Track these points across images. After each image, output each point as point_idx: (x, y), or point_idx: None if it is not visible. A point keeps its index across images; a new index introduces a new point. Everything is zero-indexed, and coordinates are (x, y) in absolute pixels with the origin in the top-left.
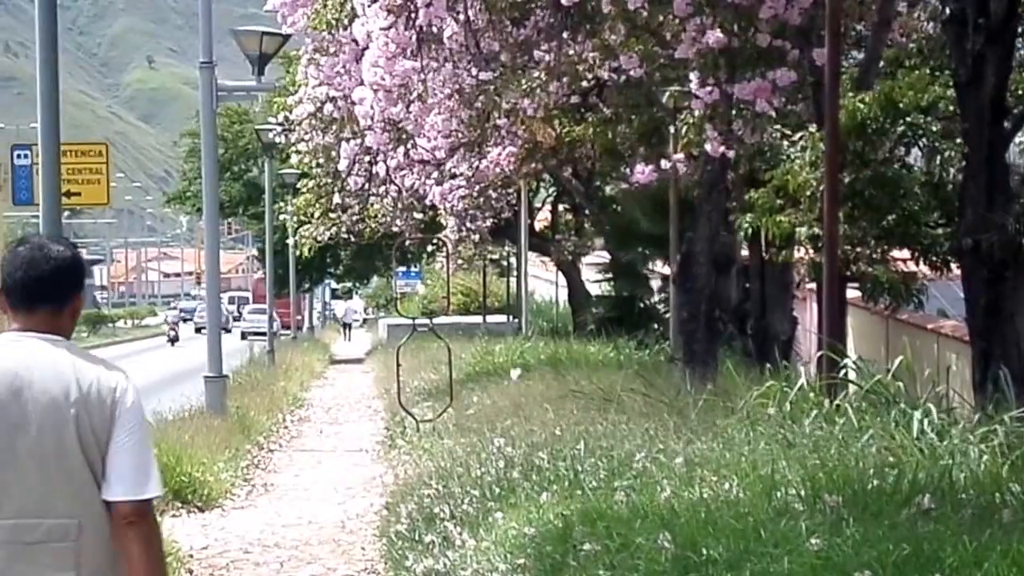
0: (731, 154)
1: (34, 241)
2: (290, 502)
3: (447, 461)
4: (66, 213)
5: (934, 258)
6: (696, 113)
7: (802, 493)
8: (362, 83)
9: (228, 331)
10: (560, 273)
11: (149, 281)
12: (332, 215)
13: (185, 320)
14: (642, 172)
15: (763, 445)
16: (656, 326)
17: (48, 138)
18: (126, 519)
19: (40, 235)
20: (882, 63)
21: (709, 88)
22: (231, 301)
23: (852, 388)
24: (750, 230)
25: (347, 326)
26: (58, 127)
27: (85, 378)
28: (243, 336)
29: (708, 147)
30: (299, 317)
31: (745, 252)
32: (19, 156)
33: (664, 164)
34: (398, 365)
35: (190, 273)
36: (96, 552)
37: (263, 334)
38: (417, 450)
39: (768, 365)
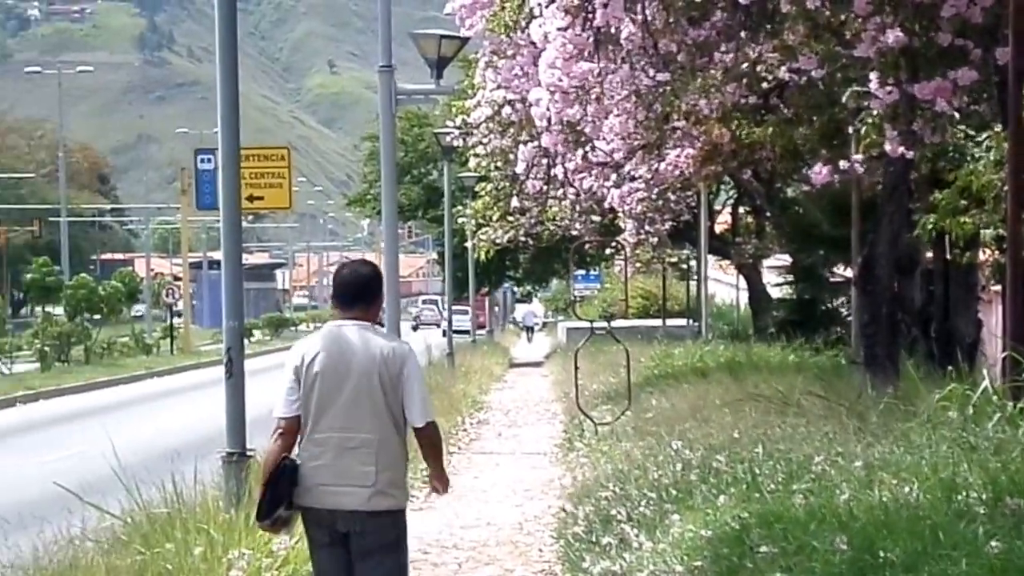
0: (911, 155)
1: (351, 266)
2: (468, 504)
3: (624, 464)
4: (249, 217)
5: None
6: (875, 113)
7: (983, 496)
8: (539, 85)
9: (438, 326)
10: (740, 276)
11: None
12: (510, 218)
13: None
14: (819, 173)
15: (944, 448)
16: (838, 329)
17: (228, 142)
18: (423, 434)
19: (355, 261)
20: None
21: (888, 88)
22: (424, 302)
23: None
24: (933, 231)
25: (529, 329)
26: (238, 132)
27: (384, 349)
28: (444, 333)
29: (887, 147)
30: (481, 318)
31: (929, 254)
32: (203, 160)
33: (843, 165)
34: (576, 368)
35: None
36: (385, 455)
37: (463, 332)
38: (595, 453)
39: (951, 368)
